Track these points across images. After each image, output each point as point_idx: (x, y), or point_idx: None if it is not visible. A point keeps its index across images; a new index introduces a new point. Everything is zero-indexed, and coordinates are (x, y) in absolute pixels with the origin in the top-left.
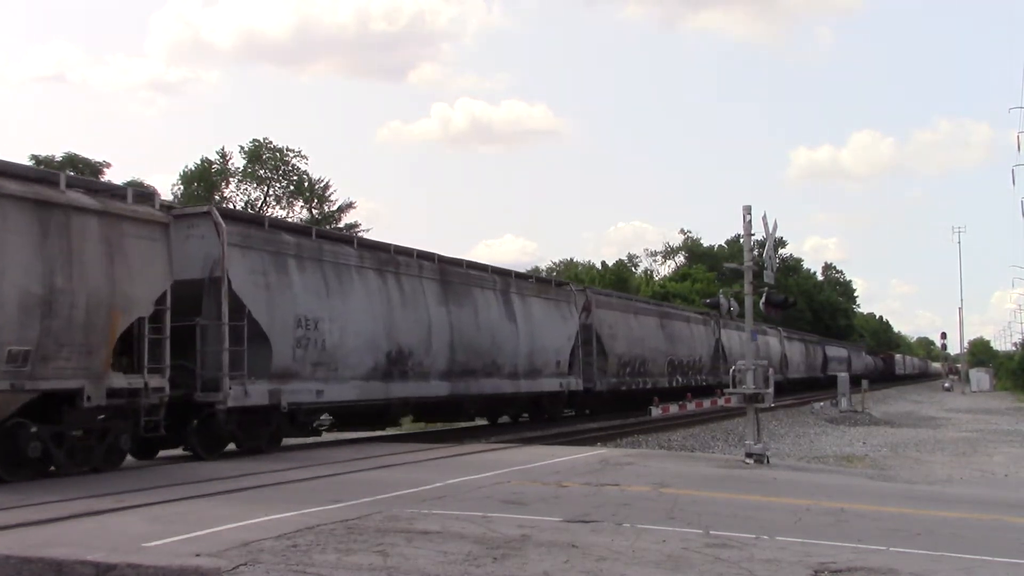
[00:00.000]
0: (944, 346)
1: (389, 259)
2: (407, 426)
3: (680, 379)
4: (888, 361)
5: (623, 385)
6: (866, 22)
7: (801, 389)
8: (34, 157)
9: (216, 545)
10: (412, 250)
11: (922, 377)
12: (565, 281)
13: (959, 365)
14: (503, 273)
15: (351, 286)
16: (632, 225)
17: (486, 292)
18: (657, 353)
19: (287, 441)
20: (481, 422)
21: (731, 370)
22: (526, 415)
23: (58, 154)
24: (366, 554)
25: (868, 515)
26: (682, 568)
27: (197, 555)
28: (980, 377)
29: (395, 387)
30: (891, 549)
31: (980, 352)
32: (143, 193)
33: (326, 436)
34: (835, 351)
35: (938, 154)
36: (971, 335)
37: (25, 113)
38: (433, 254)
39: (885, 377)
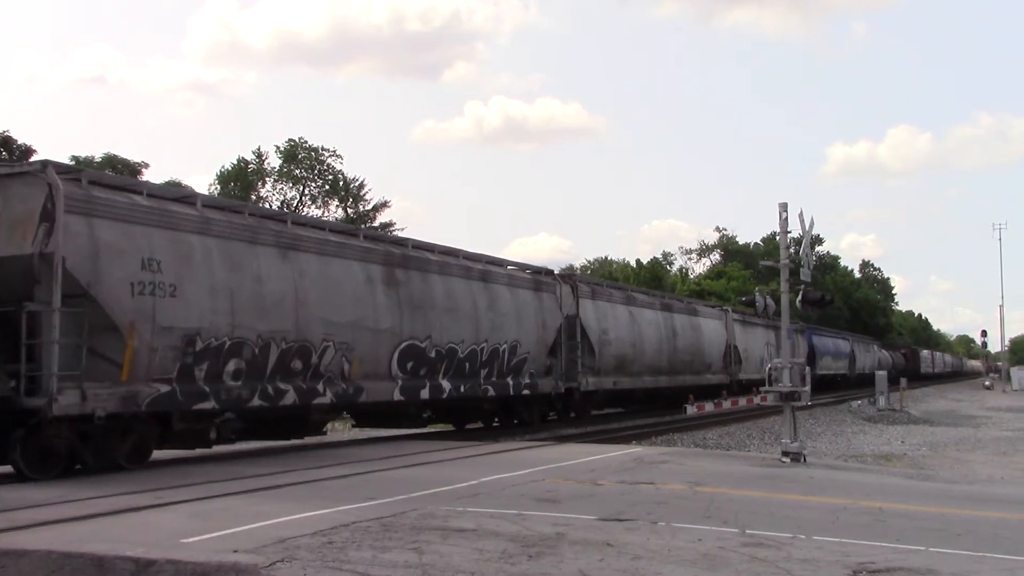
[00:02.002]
0: (984, 344)
1: None
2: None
3: (447, 382)
4: (911, 357)
5: (209, 399)
6: (901, 16)
7: None
8: (74, 157)
9: (253, 541)
10: None
11: (956, 376)
12: None
13: (1000, 363)
14: None
15: None
16: (667, 223)
17: None
18: (361, 333)
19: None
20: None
21: (767, 368)
22: None
23: (98, 155)
24: (401, 551)
25: (907, 515)
26: (718, 567)
27: (235, 551)
28: (1021, 375)
29: None
30: (931, 549)
31: (1021, 350)
32: None
33: (356, 434)
34: (828, 343)
35: (977, 149)
36: (1012, 333)
37: (66, 114)
38: None
39: (908, 376)
